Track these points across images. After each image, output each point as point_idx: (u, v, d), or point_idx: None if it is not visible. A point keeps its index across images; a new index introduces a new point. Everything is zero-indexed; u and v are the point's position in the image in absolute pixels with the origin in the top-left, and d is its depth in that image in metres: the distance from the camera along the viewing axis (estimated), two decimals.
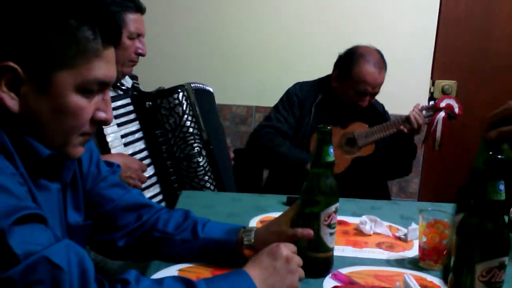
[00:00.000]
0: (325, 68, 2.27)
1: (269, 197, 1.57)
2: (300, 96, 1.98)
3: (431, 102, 1.94)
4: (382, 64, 1.92)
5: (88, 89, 0.80)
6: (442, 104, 1.91)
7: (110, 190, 1.05)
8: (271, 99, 2.64)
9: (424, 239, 1.12)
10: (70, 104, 0.79)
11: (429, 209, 1.16)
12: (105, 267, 1.41)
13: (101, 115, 0.84)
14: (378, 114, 2.02)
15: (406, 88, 2.55)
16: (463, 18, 2.57)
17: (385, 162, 1.97)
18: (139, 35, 1.61)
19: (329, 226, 1.03)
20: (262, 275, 0.88)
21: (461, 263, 0.85)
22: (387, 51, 2.60)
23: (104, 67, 0.81)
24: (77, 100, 0.79)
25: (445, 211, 1.14)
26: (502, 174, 0.81)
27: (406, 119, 1.86)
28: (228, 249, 1.04)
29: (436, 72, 2.63)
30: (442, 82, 2.63)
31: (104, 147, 1.53)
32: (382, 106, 2.10)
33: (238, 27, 2.58)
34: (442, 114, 1.90)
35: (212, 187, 1.67)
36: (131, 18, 1.58)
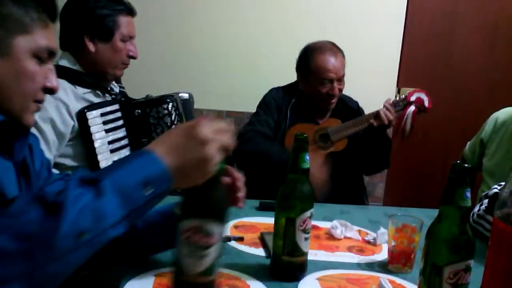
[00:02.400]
0: (292, 73, 2.32)
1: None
2: (277, 100, 2.03)
3: (402, 96, 1.98)
4: (336, 49, 1.99)
5: (40, 56, 0.88)
6: (412, 98, 1.95)
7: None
8: (242, 103, 2.68)
9: (393, 243, 1.17)
10: (28, 68, 0.86)
11: (398, 214, 1.21)
12: None
13: (49, 83, 0.90)
14: (352, 111, 2.08)
15: (372, 94, 2.61)
16: (427, 28, 2.68)
17: (362, 157, 2.02)
18: (131, 38, 1.60)
19: (304, 231, 1.06)
20: (171, 155, 0.76)
21: (429, 266, 0.90)
22: (356, 59, 2.67)
23: (51, 38, 0.90)
24: (33, 65, 0.87)
25: (413, 216, 1.19)
26: (469, 181, 0.86)
27: (377, 114, 1.92)
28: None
29: (402, 80, 2.73)
30: (407, 90, 2.71)
31: (91, 152, 1.52)
32: (356, 103, 2.16)
33: (210, 32, 2.59)
34: (412, 108, 1.94)
35: None
36: (124, 21, 1.57)
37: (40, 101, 0.91)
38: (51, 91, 0.91)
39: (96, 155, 1.53)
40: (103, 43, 1.56)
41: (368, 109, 2.34)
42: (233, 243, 1.25)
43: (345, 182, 2.03)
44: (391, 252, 1.18)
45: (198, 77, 2.59)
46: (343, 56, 2.01)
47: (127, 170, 0.74)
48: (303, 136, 1.05)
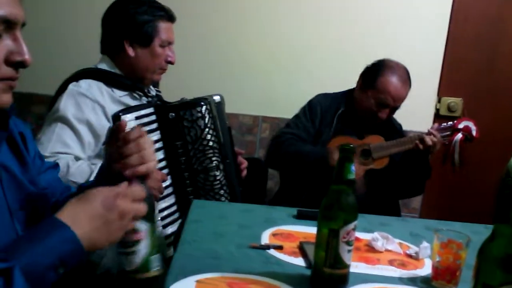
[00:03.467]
0: (331, 80, 2.30)
1: (279, 209, 1.57)
2: (323, 106, 2.01)
3: (449, 123, 1.94)
4: (407, 80, 1.96)
5: None
6: (460, 126, 1.91)
7: (52, 183, 1.05)
8: (278, 109, 2.67)
9: (438, 259, 1.13)
10: None
11: (444, 229, 1.17)
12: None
13: (16, 57, 0.81)
14: (395, 130, 2.04)
15: (412, 104, 2.54)
16: (471, 36, 2.60)
17: (399, 179, 1.97)
18: (169, 43, 1.62)
19: (348, 243, 1.04)
20: (88, 230, 0.77)
21: (481, 285, 0.86)
22: None
23: (3, 4, 0.78)
24: None
25: (459, 232, 1.15)
26: None
27: (422, 139, 1.87)
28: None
29: (443, 89, 2.65)
30: (448, 99, 2.66)
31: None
32: (400, 125, 2.13)
33: (247, 37, 2.59)
34: (459, 136, 1.90)
35: (226, 202, 1.68)
36: (163, 27, 1.60)
37: (10, 78, 0.81)
38: (21, 64, 0.81)
39: None
40: (142, 48, 1.59)
41: (407, 119, 2.30)
42: (272, 251, 1.23)
43: (380, 198, 2.00)
44: (435, 268, 1.14)
45: (234, 82, 2.60)
46: (410, 87, 1.97)
47: (42, 249, 0.72)
48: (349, 147, 1.03)
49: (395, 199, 2.12)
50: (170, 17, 1.63)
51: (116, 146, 0.95)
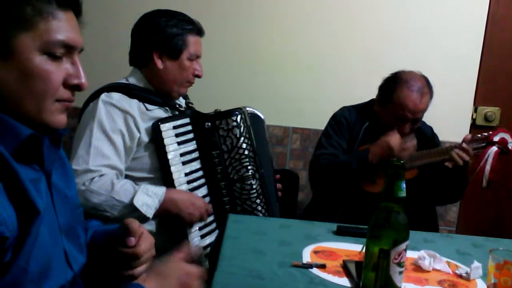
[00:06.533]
0: (362, 90, 2.23)
1: (318, 225, 1.53)
2: (349, 119, 1.95)
3: (484, 134, 1.82)
4: (426, 90, 1.87)
5: (52, 53, 0.80)
6: (496, 138, 1.78)
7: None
8: (308, 120, 2.63)
9: (494, 281, 1.07)
10: (35, 67, 0.79)
11: (500, 248, 1.10)
12: None
13: (73, 80, 0.84)
14: (426, 137, 1.96)
15: (447, 113, 2.49)
16: (509, 42, 2.51)
17: (433, 189, 1.90)
18: (197, 57, 1.62)
19: (399, 264, 0.99)
20: None
21: None
22: (429, 75, 2.55)
23: (64, 29, 0.81)
24: (42, 63, 0.80)
25: None
26: None
27: (452, 158, 1.76)
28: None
29: (479, 98, 2.57)
30: (485, 109, 2.57)
31: (165, 164, 1.54)
32: (430, 128, 2.04)
33: (276, 49, 2.55)
34: (494, 148, 1.77)
35: (263, 211, 1.65)
36: (192, 40, 1.60)
37: (66, 100, 0.84)
38: (78, 87, 0.85)
39: (169, 167, 1.55)
40: (171, 61, 1.59)
41: (442, 130, 2.22)
42: (315, 270, 1.19)
43: (415, 209, 1.92)
44: None
45: (264, 93, 2.56)
46: (431, 96, 1.87)
47: None
48: (400, 162, 0.99)
49: (431, 206, 2.03)
50: (199, 31, 1.63)
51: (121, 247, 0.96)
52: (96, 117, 1.51)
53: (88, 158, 1.45)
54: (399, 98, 1.83)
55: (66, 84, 0.83)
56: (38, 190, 0.81)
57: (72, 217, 0.94)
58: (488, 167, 1.79)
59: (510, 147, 1.79)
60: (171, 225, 1.56)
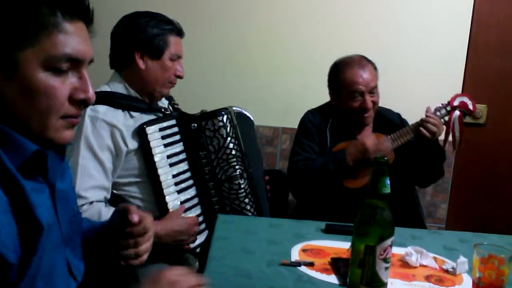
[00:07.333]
0: None
1: (307, 223, 1.54)
2: (313, 122, 1.98)
3: (444, 102, 1.88)
4: (364, 61, 1.92)
5: (57, 67, 0.77)
6: (456, 103, 1.86)
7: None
8: (298, 120, 2.62)
9: (479, 275, 1.08)
10: (39, 84, 0.76)
11: (484, 243, 1.12)
12: None
13: (80, 95, 0.81)
14: (394, 125, 1.98)
15: None
16: (494, 41, 2.54)
17: (412, 170, 1.92)
18: (179, 57, 1.62)
19: (385, 260, 1.00)
20: None
21: None
22: (416, 74, 2.60)
23: (71, 42, 0.78)
24: (47, 79, 0.77)
25: (501, 246, 1.10)
26: None
27: (422, 123, 1.82)
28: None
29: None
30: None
31: (151, 166, 1.53)
32: (398, 115, 2.07)
33: (264, 49, 2.57)
34: (457, 113, 1.86)
35: (252, 210, 1.66)
36: (173, 40, 1.59)
37: (72, 116, 0.82)
38: (85, 102, 0.82)
39: (156, 169, 1.54)
40: (152, 61, 1.58)
41: None
42: (303, 268, 1.20)
43: (396, 199, 1.93)
44: (476, 284, 1.09)
45: (254, 94, 2.57)
46: (374, 67, 1.94)
47: None
48: (383, 159, 1.00)
49: (418, 187, 2.06)
50: (179, 31, 1.63)
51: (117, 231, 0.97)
52: (82, 134, 1.48)
53: (75, 179, 1.44)
54: (345, 79, 1.90)
55: (72, 99, 0.81)
56: (43, 203, 0.80)
57: (72, 225, 0.93)
58: (457, 131, 1.88)
59: (471, 108, 1.87)
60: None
